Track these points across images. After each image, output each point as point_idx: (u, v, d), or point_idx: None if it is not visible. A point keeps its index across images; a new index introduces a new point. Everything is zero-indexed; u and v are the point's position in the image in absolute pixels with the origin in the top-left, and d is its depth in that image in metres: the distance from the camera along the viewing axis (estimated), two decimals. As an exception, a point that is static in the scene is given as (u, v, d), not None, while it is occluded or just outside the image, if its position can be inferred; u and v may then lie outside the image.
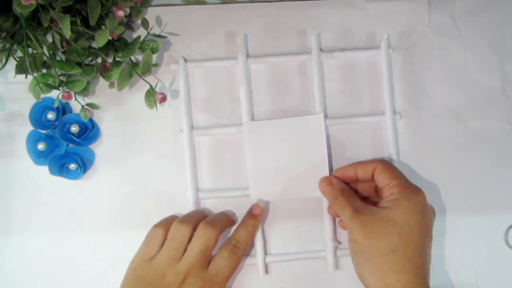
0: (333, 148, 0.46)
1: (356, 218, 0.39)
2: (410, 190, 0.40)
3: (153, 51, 0.43)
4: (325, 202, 0.45)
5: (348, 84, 0.46)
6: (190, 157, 0.46)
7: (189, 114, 0.46)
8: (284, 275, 0.45)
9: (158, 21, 0.46)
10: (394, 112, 0.46)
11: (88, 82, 0.43)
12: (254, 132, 0.45)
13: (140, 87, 0.46)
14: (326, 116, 0.46)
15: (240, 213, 0.45)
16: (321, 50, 0.46)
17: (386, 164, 0.42)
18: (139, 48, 0.42)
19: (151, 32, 0.43)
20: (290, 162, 0.45)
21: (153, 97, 0.43)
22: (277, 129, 0.45)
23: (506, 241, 0.46)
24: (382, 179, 0.41)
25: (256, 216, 0.44)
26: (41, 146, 0.45)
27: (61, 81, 0.41)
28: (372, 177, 0.42)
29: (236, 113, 0.46)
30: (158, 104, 0.43)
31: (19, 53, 0.41)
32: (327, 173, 0.45)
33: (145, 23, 0.43)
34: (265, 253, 0.45)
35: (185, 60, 0.46)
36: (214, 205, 0.46)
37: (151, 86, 0.43)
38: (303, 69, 0.46)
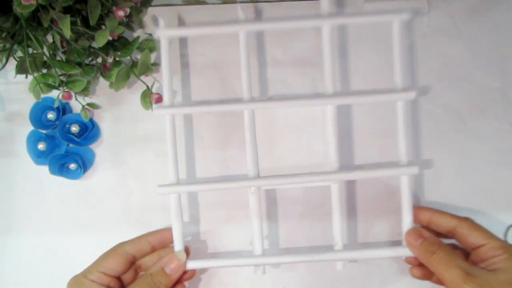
0: (340, 134, 0.42)
1: (471, 282, 0.35)
2: None
3: (151, 50, 0.43)
4: (325, 199, 0.45)
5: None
6: (171, 141, 0.41)
7: (171, 88, 0.42)
8: (285, 275, 0.45)
9: (158, 21, 0.46)
10: (404, 90, 0.41)
11: (88, 82, 0.43)
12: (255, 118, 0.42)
13: (140, 87, 0.46)
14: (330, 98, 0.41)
15: (238, 206, 0.45)
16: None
17: (474, 222, 0.39)
18: (137, 48, 0.42)
19: (149, 32, 0.43)
20: (297, 148, 0.44)
21: (149, 97, 0.43)
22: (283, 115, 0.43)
23: (506, 241, 0.46)
24: (475, 239, 0.38)
25: (169, 275, 0.39)
26: (41, 146, 0.45)
27: (61, 81, 0.41)
28: (448, 231, 0.40)
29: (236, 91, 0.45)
30: (154, 105, 0.43)
31: (19, 53, 0.41)
32: (336, 160, 0.41)
33: (141, 23, 0.43)
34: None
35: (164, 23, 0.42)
36: (211, 201, 0.46)
37: (147, 86, 0.43)
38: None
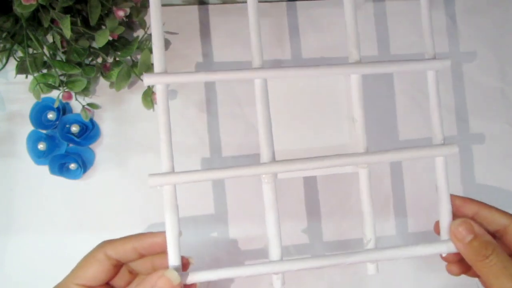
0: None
1: None
2: None
3: (151, 50, 0.43)
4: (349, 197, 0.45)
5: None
6: (164, 117, 0.34)
7: (163, 52, 0.34)
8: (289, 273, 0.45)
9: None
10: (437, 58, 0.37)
11: (89, 82, 0.43)
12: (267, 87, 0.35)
13: (140, 87, 0.46)
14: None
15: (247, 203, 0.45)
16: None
17: None
18: (137, 48, 0.42)
19: (149, 32, 0.43)
20: (318, 128, 0.38)
21: (150, 97, 0.43)
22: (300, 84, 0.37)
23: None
24: None
25: None
26: (41, 146, 0.45)
27: (62, 81, 0.41)
28: (496, 231, 0.34)
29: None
30: (155, 104, 0.43)
31: (20, 53, 0.41)
32: (363, 140, 0.35)
33: (142, 23, 0.43)
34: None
35: None
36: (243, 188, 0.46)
37: (148, 86, 0.43)
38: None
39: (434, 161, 0.36)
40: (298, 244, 0.45)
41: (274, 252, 0.34)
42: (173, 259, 0.33)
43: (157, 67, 0.34)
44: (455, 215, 0.35)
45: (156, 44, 0.34)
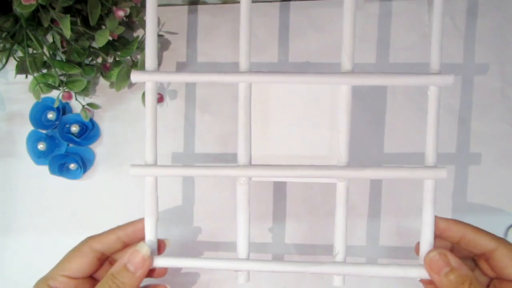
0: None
1: None
2: None
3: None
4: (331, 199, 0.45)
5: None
6: (151, 113, 0.35)
7: (155, 50, 0.35)
8: (284, 273, 0.45)
9: (157, 21, 0.46)
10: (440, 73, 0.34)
11: (89, 82, 0.43)
12: (255, 92, 0.35)
13: (140, 87, 0.46)
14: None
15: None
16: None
17: None
18: (137, 48, 0.42)
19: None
20: (298, 130, 0.37)
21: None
22: (287, 91, 0.37)
23: (506, 241, 0.46)
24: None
25: (133, 273, 0.33)
26: (41, 146, 0.45)
27: (61, 81, 0.41)
28: (481, 254, 0.33)
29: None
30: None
31: (20, 53, 0.41)
32: (346, 153, 0.34)
33: (142, 23, 0.43)
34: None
35: None
36: (210, 184, 0.46)
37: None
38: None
39: (423, 183, 0.34)
40: (265, 243, 0.45)
41: (242, 251, 0.35)
42: (149, 236, 0.35)
43: (148, 64, 0.35)
44: (440, 237, 0.34)
45: (149, 40, 0.35)
